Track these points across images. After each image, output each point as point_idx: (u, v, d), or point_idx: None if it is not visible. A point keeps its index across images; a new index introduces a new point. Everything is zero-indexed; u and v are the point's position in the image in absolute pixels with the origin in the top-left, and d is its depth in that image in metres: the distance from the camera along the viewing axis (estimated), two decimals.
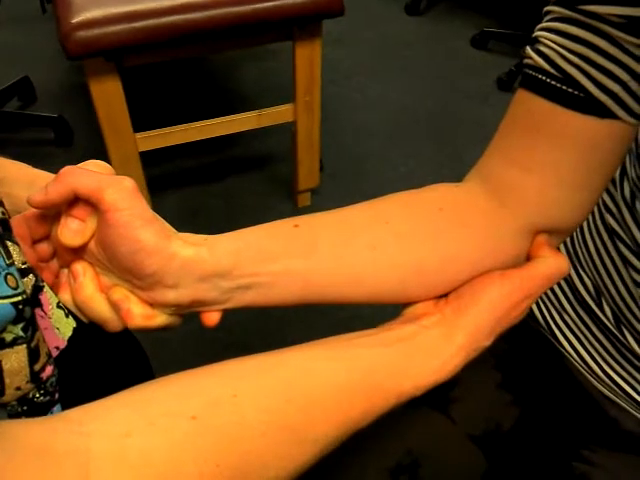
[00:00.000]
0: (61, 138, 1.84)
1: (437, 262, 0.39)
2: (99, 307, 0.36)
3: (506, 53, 2.22)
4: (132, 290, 0.36)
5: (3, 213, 0.35)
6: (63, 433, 0.27)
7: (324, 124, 1.54)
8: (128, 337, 0.56)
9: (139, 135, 1.36)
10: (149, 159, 1.41)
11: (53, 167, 0.41)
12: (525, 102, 0.38)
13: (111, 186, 0.34)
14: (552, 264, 0.39)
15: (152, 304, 0.36)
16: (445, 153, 1.80)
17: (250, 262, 0.36)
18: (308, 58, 1.38)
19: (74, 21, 1.15)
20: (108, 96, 1.25)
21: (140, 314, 0.36)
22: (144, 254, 0.33)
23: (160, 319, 0.36)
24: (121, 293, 0.36)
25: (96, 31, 1.15)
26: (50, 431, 0.27)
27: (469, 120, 1.93)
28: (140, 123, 1.37)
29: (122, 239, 0.33)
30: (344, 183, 1.72)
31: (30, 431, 0.27)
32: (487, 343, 0.38)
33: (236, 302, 0.37)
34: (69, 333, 0.39)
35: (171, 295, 0.35)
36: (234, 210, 1.63)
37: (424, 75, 2.16)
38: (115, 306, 0.36)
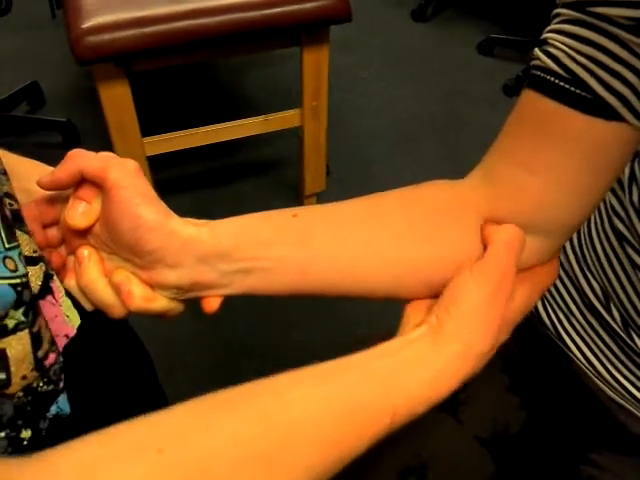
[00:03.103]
0: (69, 142, 1.85)
1: (431, 262, 0.39)
2: (102, 291, 0.37)
3: (512, 59, 2.22)
4: (134, 272, 0.36)
5: (11, 204, 0.37)
6: (31, 471, 0.27)
7: (331, 129, 1.54)
8: (132, 336, 0.56)
9: (147, 139, 1.37)
10: (157, 163, 1.42)
11: None
12: (532, 102, 0.38)
13: (115, 166, 0.35)
14: (502, 236, 0.37)
15: (153, 286, 0.36)
16: (451, 158, 1.80)
17: (249, 246, 0.36)
18: (315, 64, 1.38)
19: (84, 26, 1.16)
20: (117, 101, 1.26)
21: (141, 296, 0.36)
22: (144, 230, 0.34)
23: (161, 303, 0.37)
24: (123, 275, 0.36)
25: (106, 36, 1.16)
26: (18, 467, 0.27)
27: (475, 126, 1.94)
28: (148, 128, 1.38)
29: (123, 215, 0.34)
30: (350, 187, 1.73)
31: (1, 470, 0.27)
32: (486, 347, 0.36)
33: (236, 287, 0.37)
34: (78, 322, 0.39)
35: (172, 275, 0.35)
36: (241, 214, 1.63)
37: (430, 81, 2.16)
38: (116, 288, 0.36)
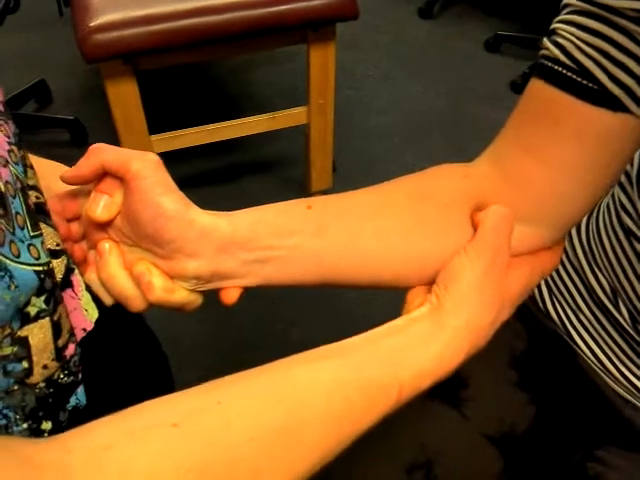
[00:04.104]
0: (77, 140, 1.86)
1: (440, 256, 0.39)
2: (122, 283, 0.37)
3: (519, 56, 2.22)
4: (155, 263, 0.37)
5: (38, 197, 0.37)
6: (46, 449, 0.28)
7: (337, 126, 1.54)
8: (148, 333, 0.57)
9: (154, 137, 1.37)
10: (164, 160, 1.42)
11: None
12: (540, 92, 0.38)
13: (136, 158, 0.36)
14: (490, 216, 0.38)
15: (173, 277, 0.37)
16: (458, 156, 1.79)
17: (266, 235, 0.37)
18: (322, 61, 1.39)
19: (92, 24, 1.17)
20: (124, 98, 1.27)
21: (161, 287, 0.36)
22: (164, 219, 0.35)
23: (180, 294, 0.37)
24: (144, 266, 0.37)
25: (113, 34, 1.17)
26: (34, 445, 0.28)
27: (482, 123, 1.93)
28: (155, 125, 1.38)
29: (144, 205, 0.35)
30: (356, 185, 1.72)
31: (15, 443, 0.28)
32: (485, 320, 0.37)
33: (254, 277, 0.38)
34: (96, 316, 0.40)
35: (191, 265, 0.36)
36: None
37: (437, 78, 2.16)
38: (137, 279, 0.37)
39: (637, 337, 0.51)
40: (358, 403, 0.33)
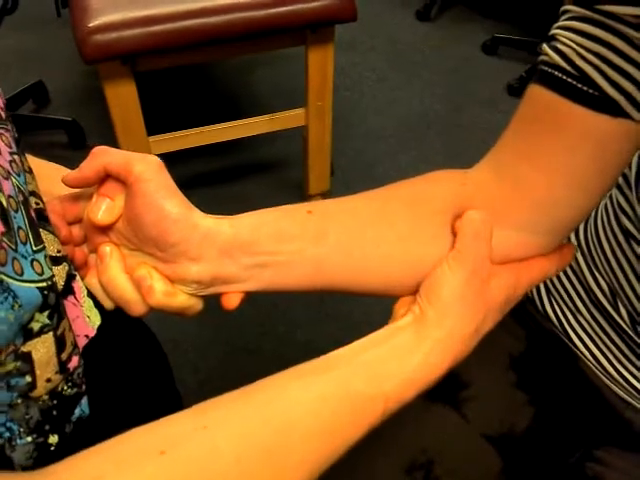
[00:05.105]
0: (74, 141, 1.86)
1: (436, 263, 0.39)
2: (123, 287, 0.37)
3: (517, 59, 2.22)
4: (156, 266, 0.37)
5: (37, 203, 0.37)
6: None
7: (335, 128, 1.54)
8: (150, 337, 0.57)
9: (152, 138, 1.37)
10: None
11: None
12: (539, 97, 0.38)
13: (139, 160, 0.36)
14: (468, 224, 0.38)
15: (174, 281, 0.37)
16: (455, 158, 1.80)
17: (268, 239, 0.37)
18: (320, 63, 1.39)
19: (91, 25, 1.17)
20: (123, 99, 1.27)
21: (161, 291, 0.36)
22: (168, 222, 0.35)
23: (181, 298, 0.37)
24: (144, 270, 0.37)
25: (112, 35, 1.17)
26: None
27: (479, 126, 1.94)
28: (153, 126, 1.38)
29: (147, 208, 0.35)
30: (355, 187, 1.72)
31: (10, 478, 0.28)
32: (467, 329, 0.37)
33: (254, 282, 0.38)
34: (99, 322, 0.39)
35: (193, 269, 0.36)
36: None
37: (435, 81, 2.16)
38: (137, 283, 0.37)
39: (636, 338, 0.52)
40: (346, 417, 0.34)
